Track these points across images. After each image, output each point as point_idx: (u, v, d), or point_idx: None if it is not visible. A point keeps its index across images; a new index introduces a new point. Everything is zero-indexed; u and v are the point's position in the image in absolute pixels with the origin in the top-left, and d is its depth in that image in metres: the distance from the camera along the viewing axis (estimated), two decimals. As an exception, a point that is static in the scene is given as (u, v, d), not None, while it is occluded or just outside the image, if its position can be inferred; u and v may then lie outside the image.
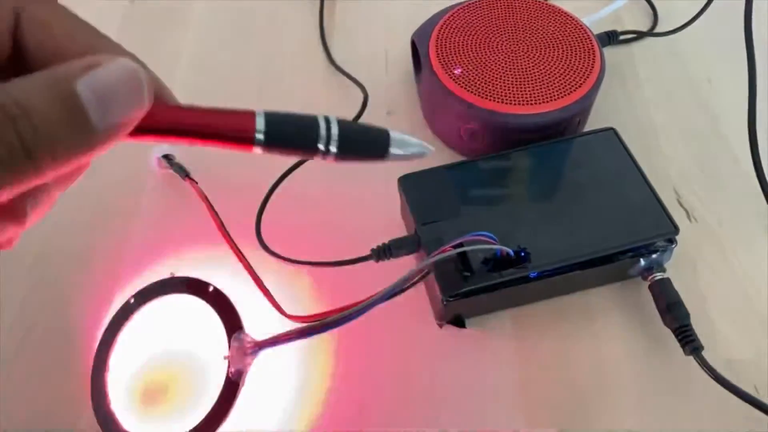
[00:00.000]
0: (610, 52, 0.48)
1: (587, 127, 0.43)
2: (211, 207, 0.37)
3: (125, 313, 0.35)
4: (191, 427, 0.31)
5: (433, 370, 0.34)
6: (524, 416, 0.33)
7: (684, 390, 0.33)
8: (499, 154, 0.38)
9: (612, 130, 0.39)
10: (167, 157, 0.41)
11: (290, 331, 0.30)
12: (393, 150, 0.23)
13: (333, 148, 0.22)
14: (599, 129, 0.39)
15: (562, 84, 0.39)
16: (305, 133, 0.22)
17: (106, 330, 0.34)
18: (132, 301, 0.35)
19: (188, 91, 0.47)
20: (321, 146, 0.22)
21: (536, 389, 0.33)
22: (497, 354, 0.35)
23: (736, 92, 0.41)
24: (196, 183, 0.39)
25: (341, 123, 0.22)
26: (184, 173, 0.40)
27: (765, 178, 0.39)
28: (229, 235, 0.36)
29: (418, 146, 0.24)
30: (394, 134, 0.23)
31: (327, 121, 0.22)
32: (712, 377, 0.31)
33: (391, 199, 0.38)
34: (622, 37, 0.48)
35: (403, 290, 0.31)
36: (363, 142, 0.23)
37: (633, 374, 0.34)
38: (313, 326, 0.29)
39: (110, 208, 0.41)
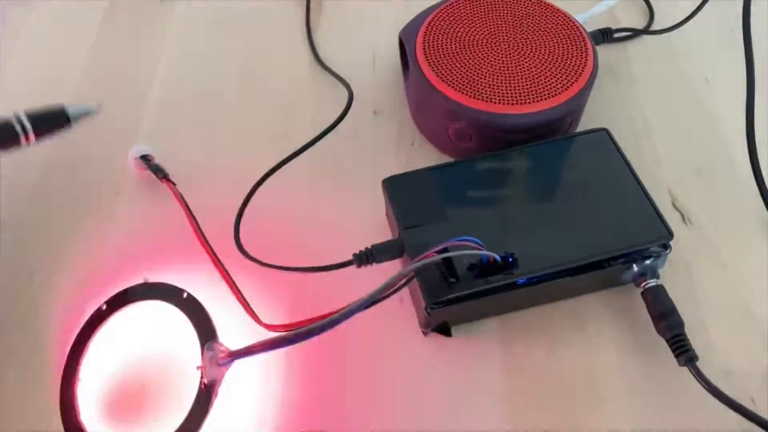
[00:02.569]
0: (604, 51, 0.46)
1: (579, 128, 0.42)
2: (188, 209, 0.36)
3: (97, 320, 0.33)
4: (162, 440, 0.30)
5: (418, 380, 0.33)
6: (512, 426, 0.31)
7: (678, 401, 0.32)
8: (487, 155, 0.36)
9: (604, 131, 0.37)
10: (145, 158, 0.40)
11: (266, 340, 0.28)
12: (71, 110, 0.34)
13: (31, 134, 0.33)
14: (591, 129, 0.38)
15: (553, 83, 0.38)
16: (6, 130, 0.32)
17: (77, 338, 0.33)
18: (104, 307, 0.34)
19: (171, 87, 0.46)
20: (23, 139, 0.33)
21: (524, 399, 0.32)
22: (484, 362, 0.33)
23: (733, 92, 0.40)
24: (174, 184, 0.38)
25: (28, 113, 0.33)
26: (162, 174, 0.39)
27: (763, 181, 0.38)
28: (205, 238, 0.34)
29: (90, 106, 0.35)
30: (68, 107, 0.34)
31: (17, 117, 0.32)
32: (707, 389, 0.30)
33: (375, 202, 0.37)
34: (616, 35, 0.47)
35: (384, 297, 0.29)
36: (50, 118, 0.34)
37: (624, 384, 0.32)
38: (289, 336, 0.28)
39: (84, 209, 0.39)
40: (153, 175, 0.39)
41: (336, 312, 0.27)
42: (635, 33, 0.48)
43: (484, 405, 0.32)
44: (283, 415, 0.32)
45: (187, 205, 0.36)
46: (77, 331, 0.33)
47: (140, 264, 0.36)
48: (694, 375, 0.30)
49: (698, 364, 0.31)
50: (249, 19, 0.51)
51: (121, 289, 0.34)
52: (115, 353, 0.33)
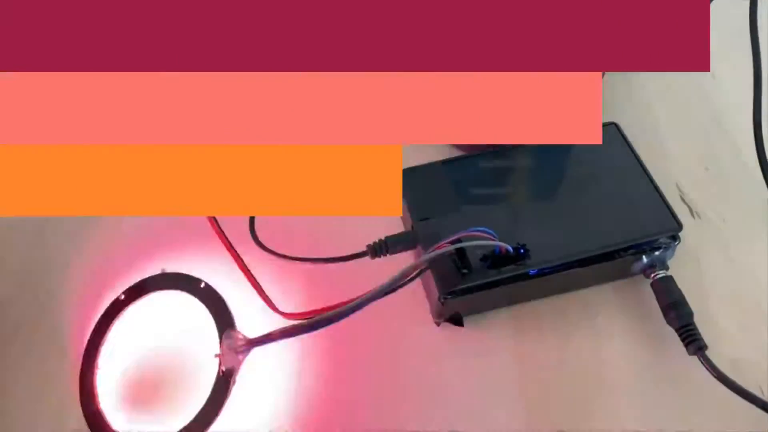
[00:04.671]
0: (612, 47, 0.47)
1: (589, 123, 0.42)
2: (204, 202, 0.37)
3: (115, 309, 0.34)
4: (182, 426, 0.30)
5: (430, 369, 0.33)
6: (523, 416, 0.32)
7: (687, 390, 0.32)
8: (499, 149, 0.37)
9: (614, 125, 0.38)
10: (160, 152, 0.40)
11: (283, 328, 0.29)
12: None
13: None
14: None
15: (563, 78, 0.38)
16: None
17: (96, 327, 0.34)
18: (122, 297, 0.34)
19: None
20: None
21: (535, 389, 0.33)
22: (496, 353, 0.34)
23: (740, 87, 0.40)
24: (190, 177, 0.39)
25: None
26: (177, 168, 0.39)
27: (770, 175, 0.38)
28: (221, 230, 0.35)
29: None
30: None
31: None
32: (716, 377, 0.30)
33: (388, 194, 0.37)
34: (624, 32, 0.47)
35: (398, 287, 0.30)
36: None
37: (634, 374, 0.33)
38: (307, 324, 0.28)
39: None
40: (168, 169, 0.40)
41: (353, 300, 0.27)
42: (643, 30, 0.49)
43: (495, 394, 0.33)
44: (299, 401, 0.32)
45: (202, 198, 0.37)
46: (96, 320, 0.34)
47: (157, 255, 0.36)
48: (703, 363, 0.31)
49: (707, 353, 0.31)
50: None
51: (138, 279, 0.34)
52: (133, 342, 0.33)
